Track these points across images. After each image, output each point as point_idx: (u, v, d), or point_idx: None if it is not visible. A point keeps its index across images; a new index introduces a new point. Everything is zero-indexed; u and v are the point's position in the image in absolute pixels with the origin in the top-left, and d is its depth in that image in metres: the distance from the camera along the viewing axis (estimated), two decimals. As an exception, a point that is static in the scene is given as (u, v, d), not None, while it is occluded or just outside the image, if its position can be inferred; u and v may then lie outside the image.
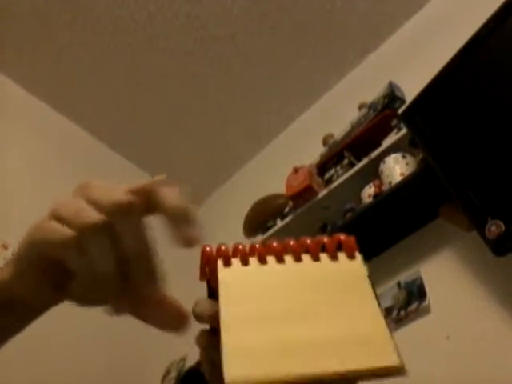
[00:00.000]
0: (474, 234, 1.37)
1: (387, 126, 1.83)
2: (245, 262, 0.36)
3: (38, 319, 0.40)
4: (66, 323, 1.59)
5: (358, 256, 0.37)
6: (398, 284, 1.72)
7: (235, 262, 0.36)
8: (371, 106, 1.95)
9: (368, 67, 2.46)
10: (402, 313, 1.65)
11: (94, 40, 2.38)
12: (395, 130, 1.79)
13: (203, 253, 0.37)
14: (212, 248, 0.37)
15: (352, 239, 0.37)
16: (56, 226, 0.33)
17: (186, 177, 2.97)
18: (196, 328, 0.39)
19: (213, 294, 0.36)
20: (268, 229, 2.06)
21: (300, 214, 1.94)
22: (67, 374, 1.85)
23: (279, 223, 2.03)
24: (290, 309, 0.33)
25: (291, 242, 0.37)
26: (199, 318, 0.37)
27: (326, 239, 0.37)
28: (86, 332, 1.94)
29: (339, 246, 0.37)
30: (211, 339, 0.37)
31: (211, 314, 0.36)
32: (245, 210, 2.21)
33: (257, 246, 0.37)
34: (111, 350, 2.07)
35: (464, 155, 1.44)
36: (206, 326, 0.38)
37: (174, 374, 2.14)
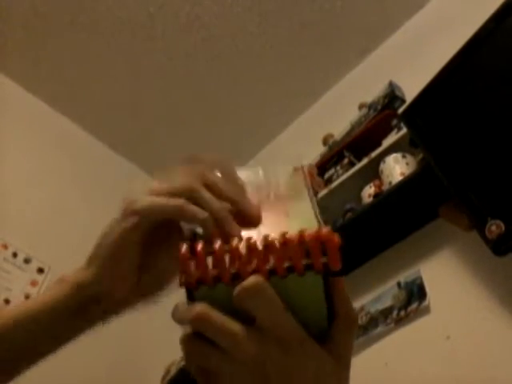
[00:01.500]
0: (474, 234, 1.37)
1: (387, 125, 1.83)
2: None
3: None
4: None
5: None
6: (398, 284, 1.72)
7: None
8: (371, 106, 1.95)
9: (368, 67, 2.46)
10: (402, 313, 1.65)
11: (94, 40, 2.38)
12: (395, 130, 1.79)
13: (180, 254, 0.35)
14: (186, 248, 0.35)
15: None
16: None
17: (186, 177, 2.97)
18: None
19: (191, 296, 0.35)
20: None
21: (300, 213, 1.94)
22: (68, 375, 1.85)
23: (279, 223, 2.02)
24: None
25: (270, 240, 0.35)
26: (180, 322, 0.36)
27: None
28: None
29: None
30: (195, 343, 0.35)
31: (192, 318, 0.34)
32: (245, 209, 2.21)
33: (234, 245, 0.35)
34: (111, 350, 2.07)
35: (464, 155, 1.44)
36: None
37: (173, 373, 2.14)
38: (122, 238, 0.42)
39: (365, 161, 1.82)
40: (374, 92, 1.98)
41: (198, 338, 0.35)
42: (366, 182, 1.81)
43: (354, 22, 2.37)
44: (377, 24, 2.38)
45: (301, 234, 0.34)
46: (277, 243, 0.34)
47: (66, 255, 2.29)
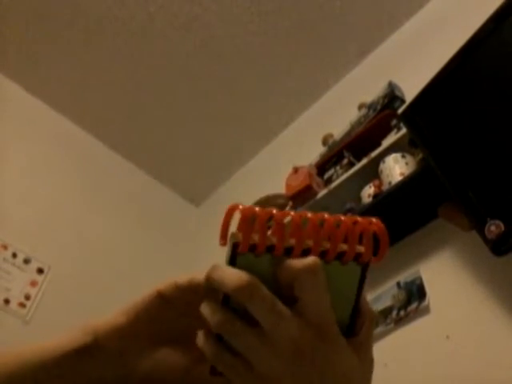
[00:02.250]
0: (473, 234, 1.37)
1: (387, 125, 1.83)
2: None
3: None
4: (68, 325, 1.59)
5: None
6: (398, 284, 1.72)
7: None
8: (371, 106, 1.95)
9: (368, 67, 2.46)
10: (402, 313, 1.65)
11: (94, 40, 2.38)
12: (395, 130, 1.79)
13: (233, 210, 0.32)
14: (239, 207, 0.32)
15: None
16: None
17: (186, 177, 2.97)
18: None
19: (234, 260, 0.31)
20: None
21: (300, 213, 1.94)
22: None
23: (279, 223, 2.02)
24: None
25: (326, 216, 0.32)
26: (217, 284, 0.31)
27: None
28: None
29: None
30: (225, 313, 0.31)
31: (240, 285, 0.30)
32: (245, 209, 2.21)
33: (292, 213, 0.32)
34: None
35: (464, 155, 1.44)
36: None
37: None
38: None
39: (364, 161, 1.83)
40: (373, 92, 1.98)
41: (228, 308, 0.31)
42: (366, 182, 1.81)
43: (354, 22, 2.37)
44: (377, 24, 2.38)
45: (354, 221, 0.32)
46: (334, 226, 0.32)
47: (65, 255, 2.30)
